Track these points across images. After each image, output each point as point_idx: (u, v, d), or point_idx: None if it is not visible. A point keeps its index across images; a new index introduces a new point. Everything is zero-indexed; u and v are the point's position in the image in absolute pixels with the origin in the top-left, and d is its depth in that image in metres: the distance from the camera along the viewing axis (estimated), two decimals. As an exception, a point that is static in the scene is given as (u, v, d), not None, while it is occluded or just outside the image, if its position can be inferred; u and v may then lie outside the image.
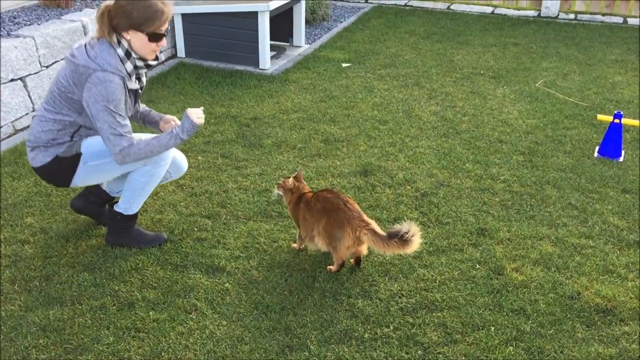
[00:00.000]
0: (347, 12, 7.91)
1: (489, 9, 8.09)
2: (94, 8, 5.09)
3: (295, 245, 3.12)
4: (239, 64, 5.78)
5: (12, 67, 4.23)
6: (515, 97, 5.20)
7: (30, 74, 4.39)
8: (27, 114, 4.43)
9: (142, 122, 3.11)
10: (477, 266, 3.04)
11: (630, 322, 2.70)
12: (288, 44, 6.46)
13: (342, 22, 7.49)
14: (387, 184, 3.78)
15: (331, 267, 2.95)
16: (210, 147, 4.20)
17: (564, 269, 3.04)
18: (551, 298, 2.83)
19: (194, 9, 5.63)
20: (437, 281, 2.93)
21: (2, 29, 4.48)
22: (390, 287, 2.87)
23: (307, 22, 7.17)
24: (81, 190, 3.32)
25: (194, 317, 2.68)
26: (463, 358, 2.49)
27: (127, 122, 2.72)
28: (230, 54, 5.76)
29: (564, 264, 3.07)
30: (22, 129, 4.39)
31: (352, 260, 2.99)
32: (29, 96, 4.42)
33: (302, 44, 6.43)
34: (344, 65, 5.91)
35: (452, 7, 8.18)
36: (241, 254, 3.09)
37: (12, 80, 4.26)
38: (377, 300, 2.79)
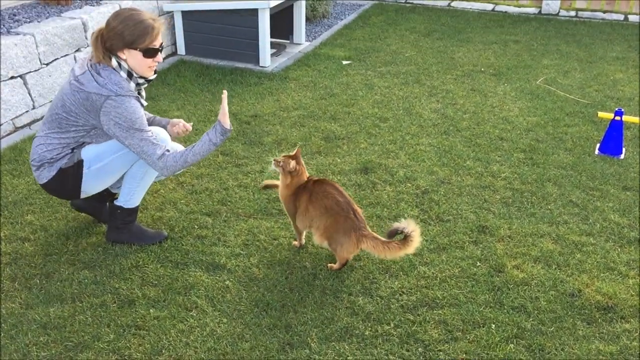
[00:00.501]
0: (348, 10, 7.90)
1: (489, 6, 8.07)
2: (93, 5, 5.09)
3: (295, 242, 3.12)
4: (239, 61, 5.77)
5: (12, 64, 4.22)
6: (516, 95, 5.19)
7: (30, 72, 4.39)
8: (27, 111, 4.43)
9: None
10: (478, 263, 3.04)
11: (631, 320, 2.69)
12: (288, 41, 6.45)
13: (342, 19, 7.47)
14: (387, 182, 3.77)
15: (332, 265, 2.95)
16: (210, 145, 4.19)
17: (564, 266, 3.04)
18: (552, 295, 2.83)
19: (194, 6, 5.62)
20: (438, 279, 2.92)
21: (2, 26, 4.47)
22: (390, 285, 2.87)
23: (307, 19, 7.15)
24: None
25: (195, 314, 2.68)
26: (464, 355, 2.49)
27: (152, 131, 2.81)
28: (231, 52, 5.76)
29: (564, 261, 3.07)
30: (22, 127, 4.39)
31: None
32: (29, 94, 4.42)
33: (302, 42, 6.42)
34: (344, 62, 5.90)
35: (452, 4, 8.16)
36: (242, 252, 3.09)
37: (12, 77, 4.26)
38: (378, 298, 2.79)
